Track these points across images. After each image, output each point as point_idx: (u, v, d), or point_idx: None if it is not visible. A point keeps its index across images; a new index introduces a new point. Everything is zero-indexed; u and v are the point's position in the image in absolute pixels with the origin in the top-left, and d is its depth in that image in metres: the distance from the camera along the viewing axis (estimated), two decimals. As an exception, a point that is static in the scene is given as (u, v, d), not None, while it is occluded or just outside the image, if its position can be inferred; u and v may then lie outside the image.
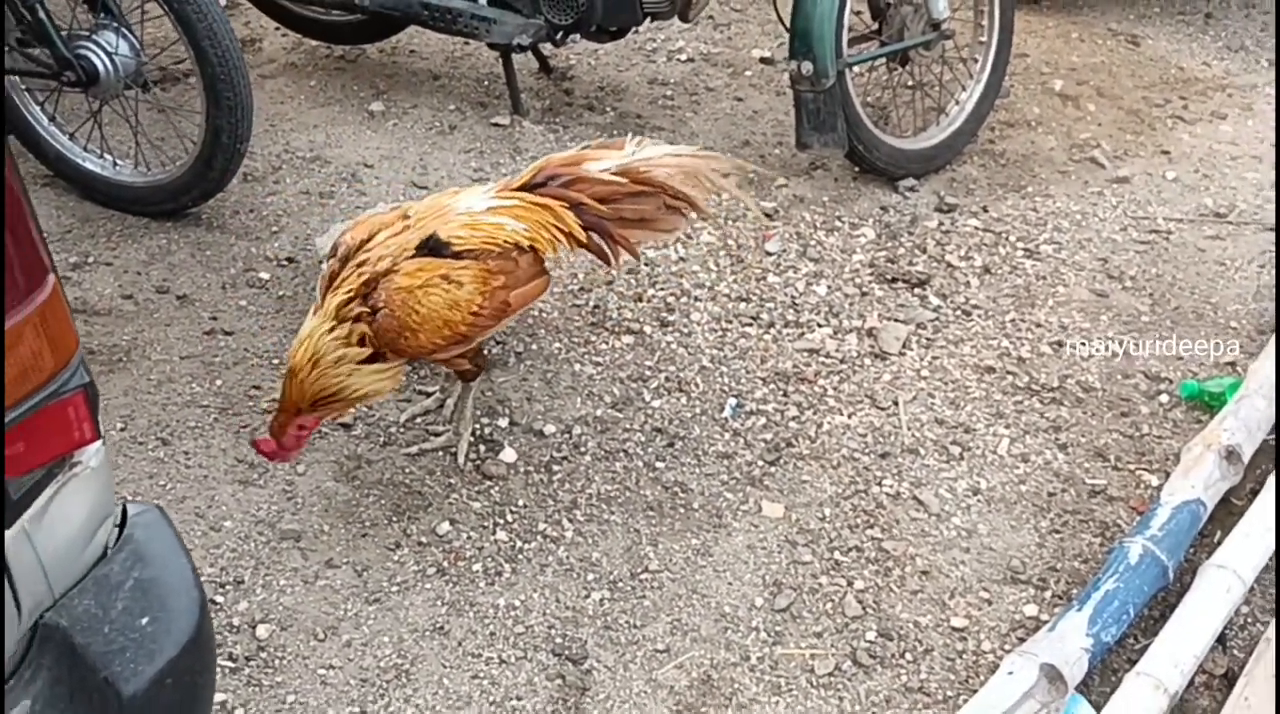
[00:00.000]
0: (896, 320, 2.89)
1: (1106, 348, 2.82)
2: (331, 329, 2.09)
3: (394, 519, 2.33)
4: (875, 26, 3.44)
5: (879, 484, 2.43)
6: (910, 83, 3.61)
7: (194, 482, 2.42)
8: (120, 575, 1.22)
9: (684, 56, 4.13)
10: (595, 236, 2.32)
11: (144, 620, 1.19)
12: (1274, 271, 3.08)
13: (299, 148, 3.59)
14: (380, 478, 2.43)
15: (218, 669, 2.03)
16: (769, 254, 3.15)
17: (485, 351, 2.42)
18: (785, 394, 2.67)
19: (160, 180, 3.17)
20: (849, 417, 2.61)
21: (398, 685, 2.03)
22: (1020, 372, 2.74)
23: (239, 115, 2.98)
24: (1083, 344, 2.84)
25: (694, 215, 2.42)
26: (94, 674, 1.14)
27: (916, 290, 3.01)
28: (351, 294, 2.11)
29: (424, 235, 2.15)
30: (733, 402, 2.64)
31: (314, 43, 4.06)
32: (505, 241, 2.22)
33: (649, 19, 3.47)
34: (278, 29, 4.09)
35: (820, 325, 2.87)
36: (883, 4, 3.39)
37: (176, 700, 1.20)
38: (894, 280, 3.04)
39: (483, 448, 2.51)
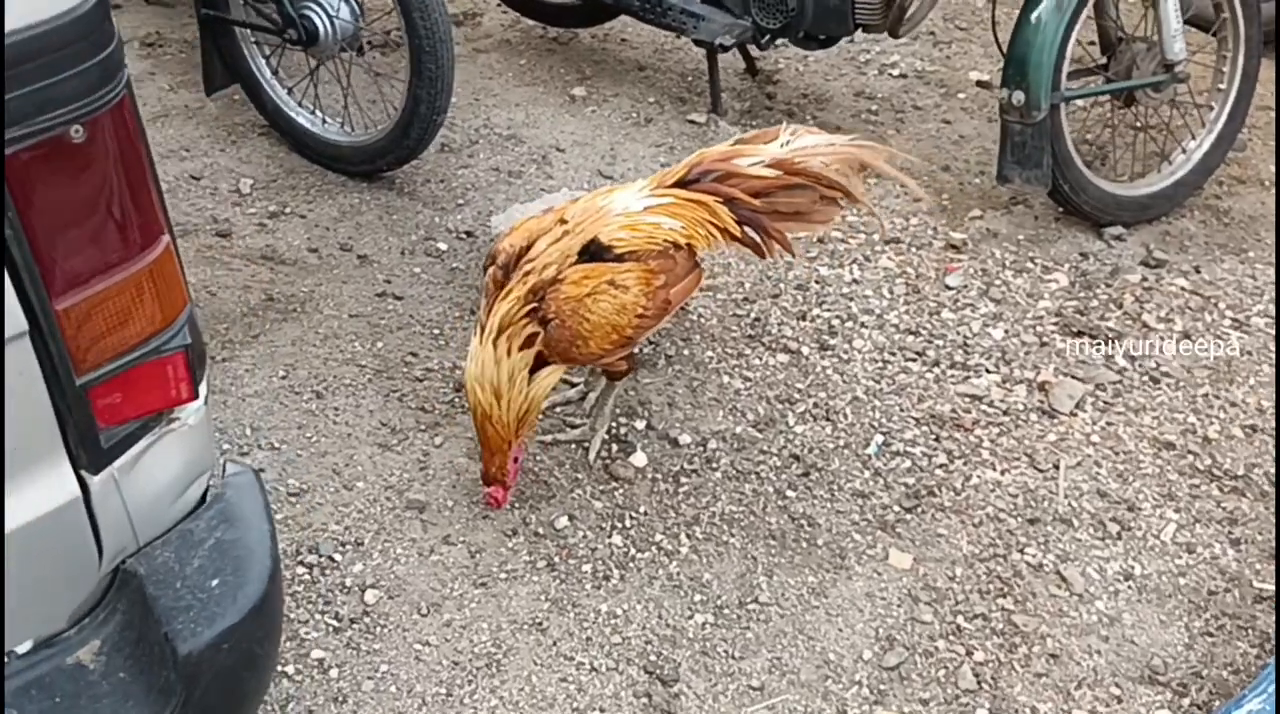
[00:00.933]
0: (1074, 377, 2.70)
1: (1310, 440, 2.55)
2: (496, 355, 2.08)
3: (516, 505, 2.34)
4: (1103, 60, 3.22)
5: (1021, 551, 2.27)
6: (1135, 124, 3.36)
7: (337, 438, 2.50)
8: (203, 533, 1.25)
9: (896, 72, 3.99)
10: (749, 230, 2.28)
11: (214, 582, 1.22)
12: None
13: (498, 124, 3.65)
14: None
15: (321, 627, 2.09)
16: (948, 288, 2.99)
17: (636, 351, 2.40)
18: (937, 439, 2.53)
19: (362, 142, 3.28)
20: (1001, 473, 2.45)
21: (487, 674, 2.03)
22: (1203, 453, 2.51)
23: (439, 87, 3.05)
24: (1282, 432, 2.57)
25: (850, 205, 2.34)
26: (157, 627, 1.17)
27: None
28: (520, 304, 2.10)
29: (585, 240, 2.14)
30: (879, 438, 2.52)
31: (531, 22, 4.13)
32: (664, 241, 2.19)
33: (860, 30, 3.36)
34: (499, 5, 4.17)
35: (989, 371, 2.71)
36: (1114, 37, 3.16)
37: (231, 666, 1.22)
38: (1080, 334, 2.84)
39: (614, 447, 2.49)
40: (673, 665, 2.05)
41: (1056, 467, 2.47)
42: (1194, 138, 3.31)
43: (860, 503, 2.38)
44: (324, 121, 3.36)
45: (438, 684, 2.01)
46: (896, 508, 2.36)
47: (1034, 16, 2.94)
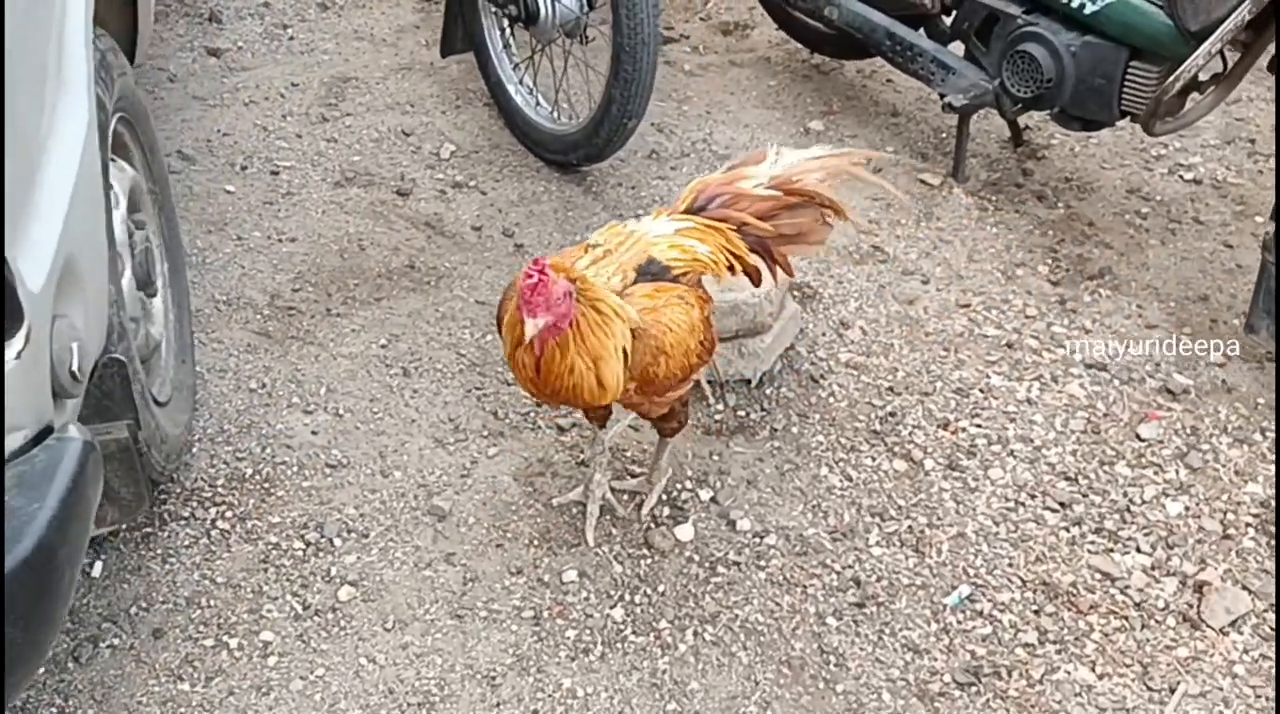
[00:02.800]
0: (1245, 588, 2.17)
1: None
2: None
3: (535, 543, 2.16)
4: None
5: (1074, 780, 1.84)
6: None
7: (400, 421, 2.41)
8: (-13, 488, 1.16)
9: (1190, 175, 3.42)
10: (755, 258, 2.06)
11: (-37, 545, 1.13)
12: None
13: (718, 141, 3.46)
14: (553, 494, 2.26)
15: (285, 609, 2.00)
16: (1139, 438, 2.51)
17: (688, 406, 2.14)
18: (1038, 611, 2.10)
19: (561, 131, 3.19)
20: (1099, 677, 2.00)
21: (418, 710, 1.87)
22: (1384, 734, 1.94)
23: (633, 91, 2.89)
24: None
25: (839, 222, 2.12)
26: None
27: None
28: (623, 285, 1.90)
29: (639, 260, 1.92)
30: (965, 590, 2.13)
31: (797, 44, 3.89)
32: (703, 265, 1.96)
33: (1126, 118, 2.89)
34: (774, 23, 3.96)
35: (1140, 550, 2.24)
36: None
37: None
38: (1282, 536, 2.29)
39: (665, 511, 2.25)
40: (606, 774, 1.81)
41: (1172, 690, 1.98)
42: None
43: (908, 658, 2.01)
44: (537, 104, 3.29)
45: (361, 708, 1.87)
46: (949, 678, 1.98)
47: (1333, 143, 2.39)
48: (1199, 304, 2.92)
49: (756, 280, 2.09)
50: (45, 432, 1.29)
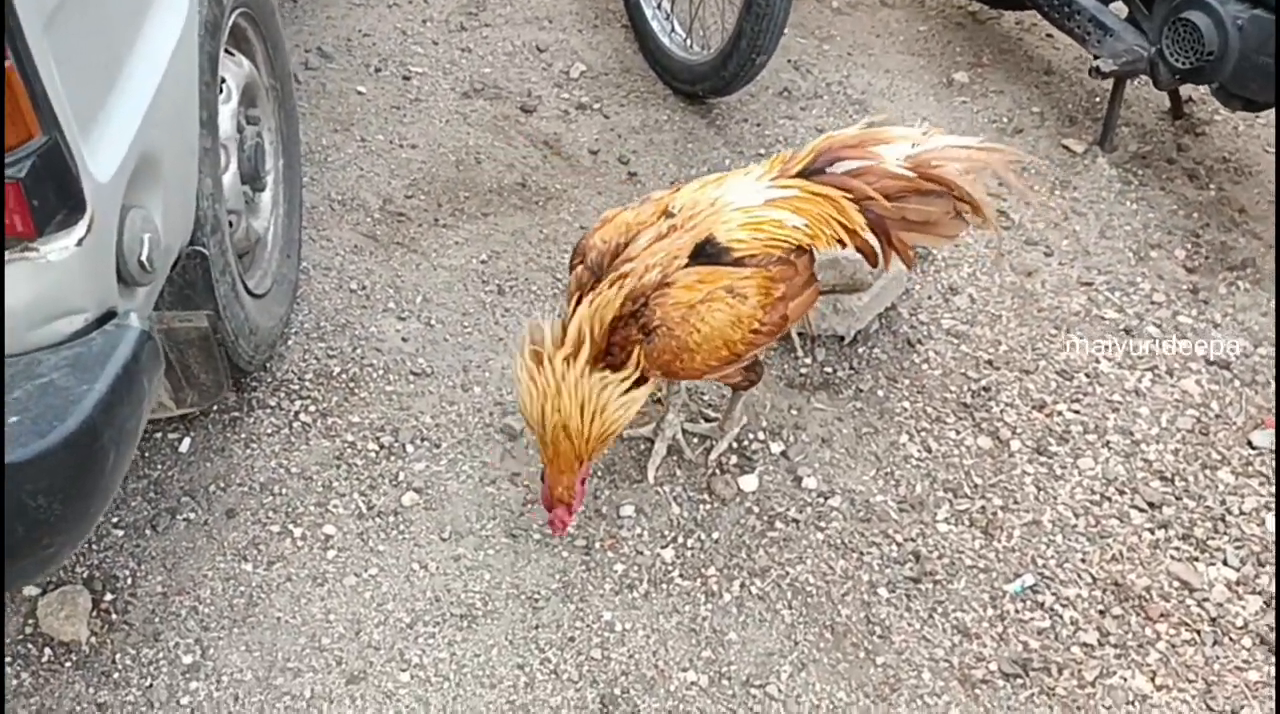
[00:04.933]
0: (1339, 619, 2.04)
1: None
2: (580, 370, 1.79)
3: (599, 473, 2.18)
4: None
5: (1108, 789, 1.77)
6: None
7: (488, 337, 2.44)
8: (45, 370, 1.22)
9: (1367, 167, 3.15)
10: (870, 236, 1.95)
11: (14, 419, 1.19)
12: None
13: (854, 85, 3.34)
14: (627, 433, 2.26)
15: (351, 506, 2.07)
16: (1250, 446, 2.36)
17: (760, 363, 2.10)
18: (1103, 612, 2.02)
19: (691, 61, 3.13)
20: (1157, 688, 1.92)
21: (455, 625, 1.92)
22: None
23: (764, 25, 2.81)
24: None
25: (976, 220, 1.99)
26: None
27: None
28: (613, 310, 1.81)
29: (698, 238, 1.84)
30: (1030, 579, 2.06)
31: (956, -12, 3.71)
32: (787, 242, 1.88)
33: (1288, 102, 2.67)
34: (931, -38, 3.78)
35: (1227, 564, 2.12)
36: None
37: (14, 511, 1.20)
38: (1390, 569, 2.13)
39: (733, 460, 2.23)
40: (630, 711, 1.82)
41: (1235, 713, 1.89)
42: None
43: (956, 640, 1.96)
44: (672, 30, 3.23)
45: (407, 611, 1.94)
46: (995, 666, 1.92)
47: None
48: (1346, 312, 2.71)
49: (873, 261, 2.00)
50: (108, 316, 1.34)
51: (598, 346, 1.81)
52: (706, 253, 1.83)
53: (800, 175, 1.94)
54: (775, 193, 1.91)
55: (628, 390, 1.84)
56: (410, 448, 2.20)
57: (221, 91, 2.03)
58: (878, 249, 1.97)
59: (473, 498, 2.12)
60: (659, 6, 3.26)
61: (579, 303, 1.82)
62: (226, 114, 2.02)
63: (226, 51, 2.10)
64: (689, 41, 3.19)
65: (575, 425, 1.80)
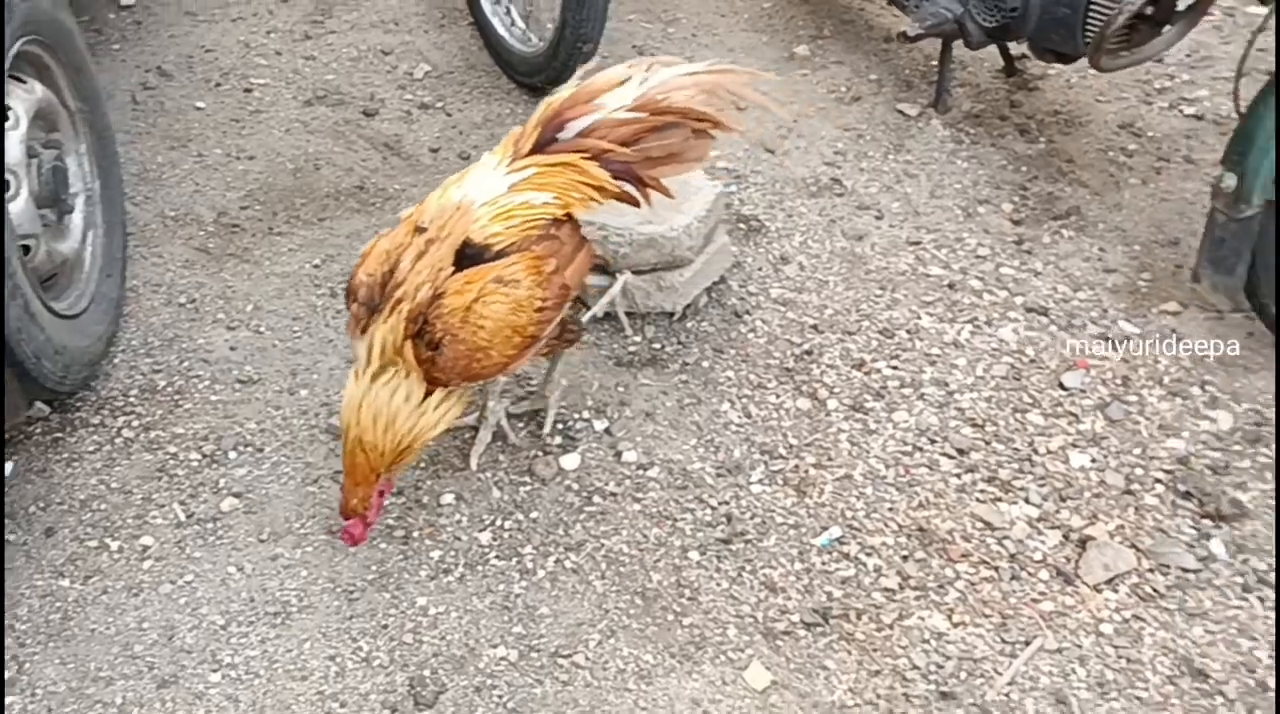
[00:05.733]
0: (1135, 547, 2.12)
1: None
2: (383, 379, 1.84)
3: (423, 465, 2.22)
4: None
5: (901, 725, 1.84)
6: None
7: (319, 341, 2.48)
8: None
9: (1190, 110, 3.25)
10: (624, 184, 1.99)
11: None
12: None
13: (696, 67, 3.39)
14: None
15: (170, 515, 2.10)
16: (1061, 387, 2.44)
17: (574, 323, 2.14)
18: (905, 558, 2.09)
19: (528, 53, 3.18)
20: (953, 625, 1.99)
21: (269, 622, 1.97)
22: (1241, 702, 1.88)
23: (585, 14, 2.87)
24: (1381, 718, 1.88)
25: (721, 136, 2.03)
26: None
27: (1206, 522, 2.17)
28: (398, 334, 1.83)
29: (455, 245, 1.88)
30: (836, 532, 2.13)
31: (799, -36, 3.77)
32: (541, 221, 1.92)
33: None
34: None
35: (1029, 502, 2.19)
36: None
37: None
38: (1188, 496, 2.22)
39: (557, 440, 2.28)
40: (438, 690, 1.88)
41: (1027, 644, 1.96)
42: None
43: (763, 595, 2.03)
44: (511, 24, 3.28)
45: (221, 614, 1.98)
46: (797, 617, 1.99)
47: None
48: (1167, 248, 2.80)
49: (634, 203, 2.04)
50: None
51: (389, 359, 1.85)
52: (469, 256, 1.88)
53: (534, 151, 1.98)
54: (515, 177, 1.95)
55: (421, 402, 1.88)
56: (233, 455, 2.24)
57: (8, 119, 2.05)
58: (635, 193, 2.01)
59: (294, 499, 2.16)
60: (498, 1, 3.31)
61: (366, 337, 1.86)
62: (14, 140, 2.05)
63: (15, 78, 2.12)
64: (527, 34, 3.24)
65: (369, 438, 1.85)
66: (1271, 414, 2.39)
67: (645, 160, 1.98)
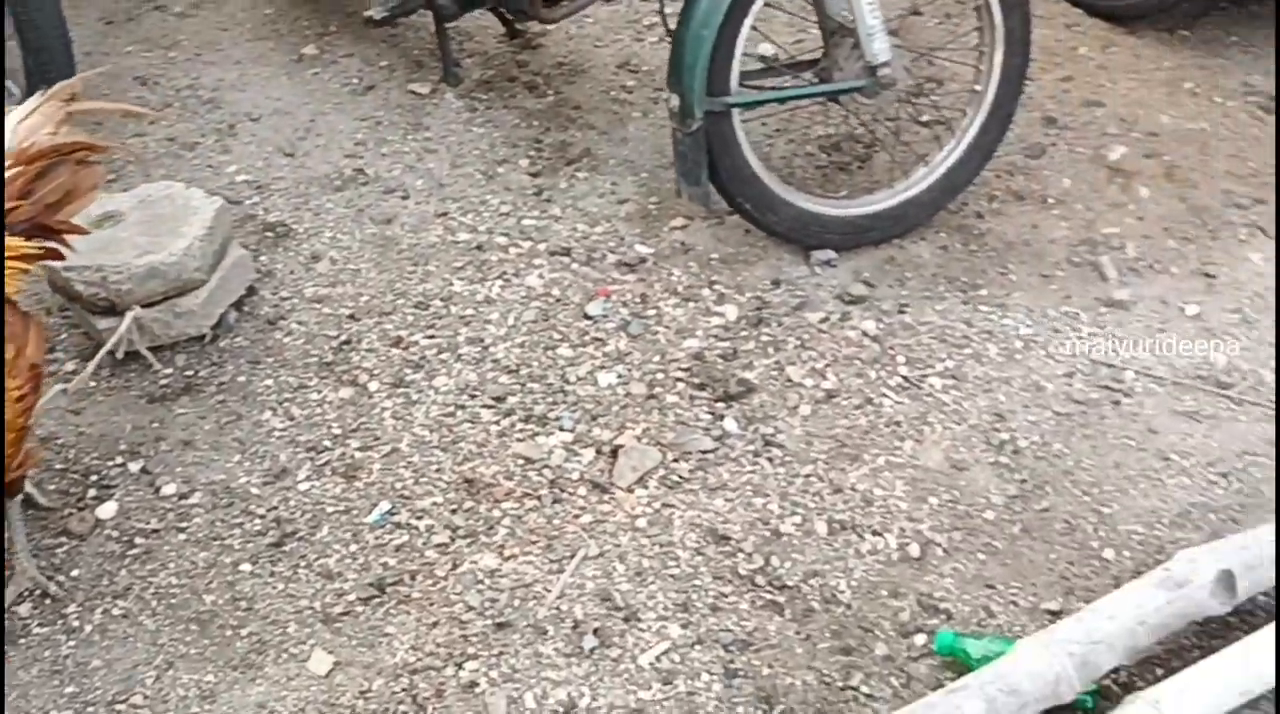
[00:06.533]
0: (659, 443, 2.32)
1: (900, 547, 2.14)
2: None
3: (-53, 555, 2.11)
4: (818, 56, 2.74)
5: (460, 665, 1.94)
6: (869, 132, 2.89)
7: None
8: None
9: (678, 41, 3.51)
10: (40, 241, 1.94)
11: None
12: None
13: (205, 84, 3.36)
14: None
15: None
16: (586, 317, 2.62)
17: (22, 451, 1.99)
18: (454, 511, 2.20)
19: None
20: (505, 559, 2.11)
21: None
22: (759, 553, 2.12)
23: (46, 57, 2.76)
24: (873, 534, 2.16)
25: (102, 155, 2.04)
26: None
27: (720, 405, 2.40)
28: None
29: None
30: (385, 506, 2.20)
31: (294, -34, 3.77)
32: None
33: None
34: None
35: (563, 428, 2.35)
36: (827, 28, 2.68)
37: None
38: (704, 386, 2.44)
39: (91, 492, 2.23)
40: (-13, 775, 1.81)
41: (572, 557, 2.11)
42: (942, 148, 2.82)
43: (321, 586, 2.07)
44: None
45: None
46: (354, 596, 2.05)
47: (700, 2, 2.49)
48: (670, 171, 3.02)
49: (58, 257, 2.00)
50: None
51: None
52: None
53: None
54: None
55: None
56: None
57: None
58: (54, 245, 1.97)
59: None
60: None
61: None
62: None
63: None
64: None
65: None
66: (772, 297, 2.66)
67: (46, 209, 1.93)
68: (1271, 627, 1.87)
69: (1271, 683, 1.82)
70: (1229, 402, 2.43)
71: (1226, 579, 1.89)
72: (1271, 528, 2.02)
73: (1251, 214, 2.91)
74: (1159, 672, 1.88)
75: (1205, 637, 1.95)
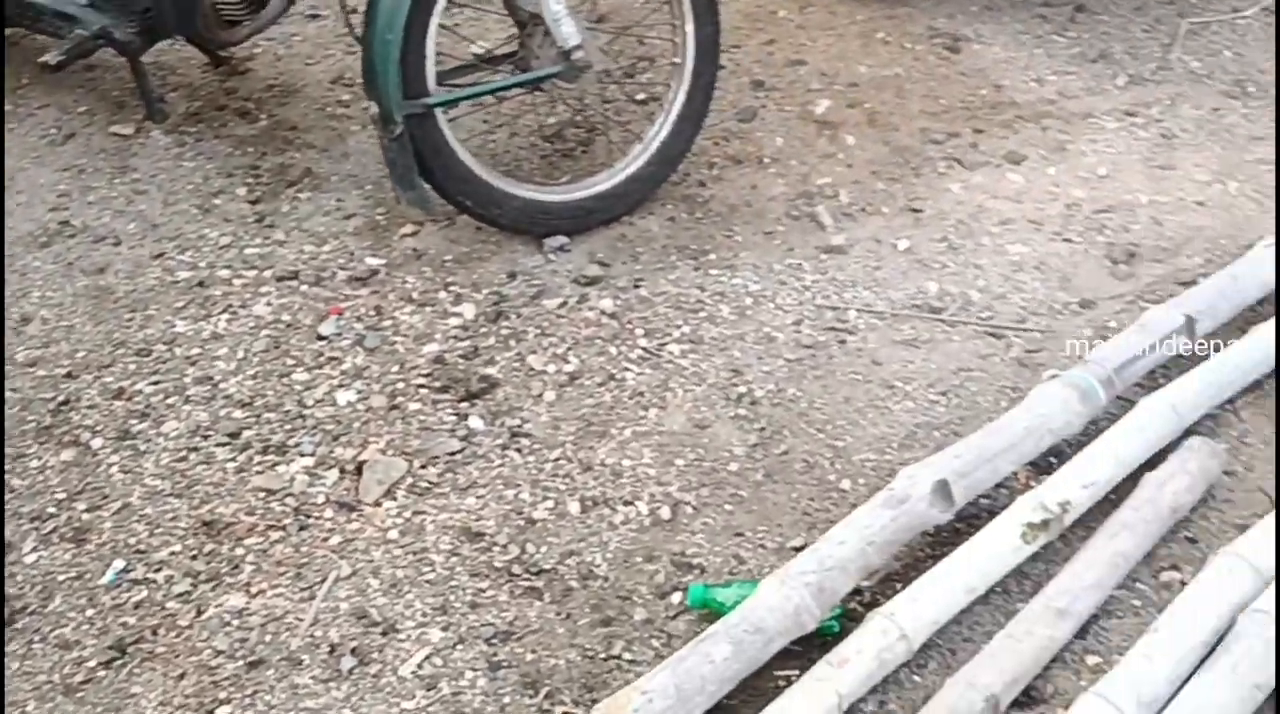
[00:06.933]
0: (404, 453, 2.29)
1: (651, 512, 2.18)
2: None
3: None
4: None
5: (212, 713, 1.88)
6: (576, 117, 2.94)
7: None
8: None
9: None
10: None
11: None
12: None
13: None
14: None
15: None
16: (320, 338, 2.56)
17: None
18: (195, 556, 2.12)
19: None
20: (252, 596, 2.05)
21: None
22: (514, 543, 2.13)
23: None
24: (625, 505, 2.20)
25: None
26: None
27: (464, 405, 2.39)
28: None
29: None
30: (119, 565, 2.10)
31: None
32: None
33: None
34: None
35: (305, 453, 2.30)
36: (520, 19, 2.70)
37: None
38: (446, 388, 2.43)
39: None
40: None
41: (325, 581, 2.07)
42: (653, 124, 2.89)
43: (59, 658, 1.97)
44: None
45: None
46: (94, 663, 1.95)
47: (381, 5, 2.47)
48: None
49: None
50: None
51: None
52: None
53: None
54: None
55: None
56: None
57: None
58: None
59: None
60: None
61: None
62: None
63: None
64: None
65: None
66: (509, 290, 2.67)
67: None
68: (990, 528, 2.00)
69: (996, 581, 1.95)
70: (943, 325, 2.58)
71: (942, 488, 2.00)
72: (983, 433, 2.16)
73: (948, 148, 3.10)
74: (898, 586, 1.97)
75: (938, 545, 2.07)
